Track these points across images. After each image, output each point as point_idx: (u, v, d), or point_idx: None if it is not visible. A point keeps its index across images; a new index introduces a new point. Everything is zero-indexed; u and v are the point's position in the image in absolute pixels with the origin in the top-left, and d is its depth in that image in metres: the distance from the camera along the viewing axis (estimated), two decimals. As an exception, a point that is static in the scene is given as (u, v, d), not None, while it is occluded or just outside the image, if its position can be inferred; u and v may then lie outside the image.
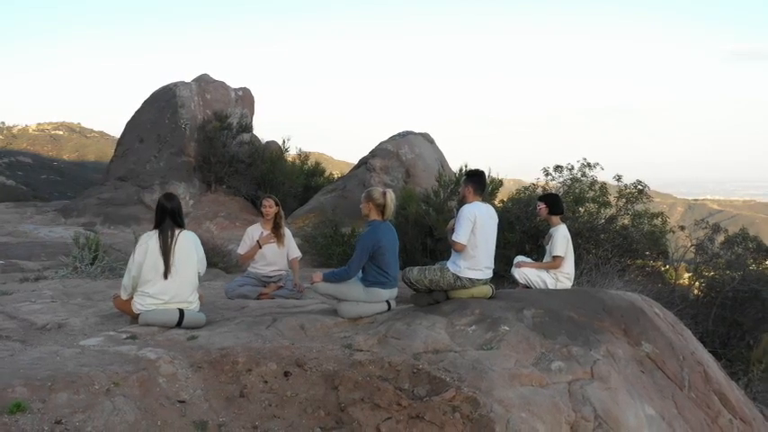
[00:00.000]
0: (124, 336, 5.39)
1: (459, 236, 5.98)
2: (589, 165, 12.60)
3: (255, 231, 7.78)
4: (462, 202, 6.38)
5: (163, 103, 18.66)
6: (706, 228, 11.50)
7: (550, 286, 7.00)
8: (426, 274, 6.10)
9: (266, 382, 4.72)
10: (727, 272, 11.03)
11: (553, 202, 7.31)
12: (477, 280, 6.14)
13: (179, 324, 5.62)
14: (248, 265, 7.78)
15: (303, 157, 20.97)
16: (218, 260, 10.38)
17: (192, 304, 5.75)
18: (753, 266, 10.78)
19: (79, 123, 67.40)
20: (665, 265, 11.40)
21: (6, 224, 15.21)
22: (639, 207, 11.82)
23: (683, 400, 5.96)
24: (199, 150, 18.06)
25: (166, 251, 5.61)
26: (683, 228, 11.91)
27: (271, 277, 7.68)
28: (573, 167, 13.01)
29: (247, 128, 19.05)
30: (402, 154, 17.52)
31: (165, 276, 5.60)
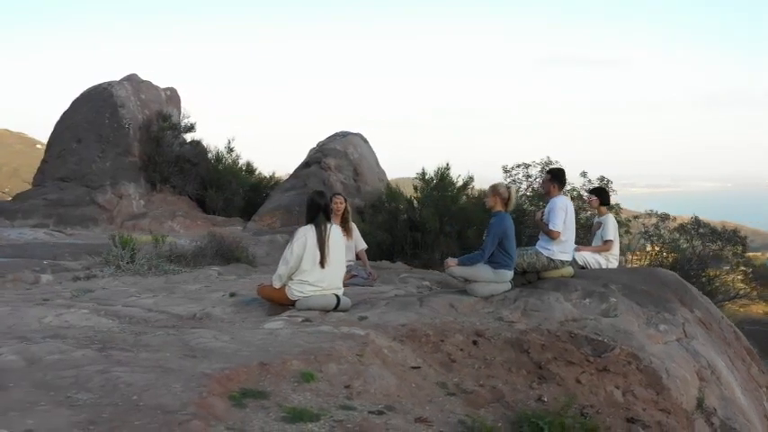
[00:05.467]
0: (300, 319, 5.94)
1: (557, 225, 6.96)
2: (550, 161, 13.97)
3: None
4: (547, 196, 7.38)
5: (99, 102, 18.30)
6: (656, 217, 13.25)
7: (603, 266, 8.13)
8: (525, 257, 7.04)
9: (462, 350, 5.48)
10: (674, 253, 12.81)
11: (603, 194, 8.47)
12: (567, 261, 7.16)
13: (335, 308, 6.24)
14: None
15: (235, 156, 21.12)
16: (241, 255, 10.77)
17: (340, 290, 6.38)
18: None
19: None
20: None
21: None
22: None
23: (730, 354, 7.27)
24: (143, 150, 17.93)
25: (322, 243, 6.20)
26: (636, 217, 13.59)
27: (341, 268, 8.32)
28: (530, 165, 14.36)
29: (191, 127, 19.12)
30: (350, 153, 18.28)
31: (322, 266, 6.19)
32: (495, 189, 6.70)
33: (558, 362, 5.34)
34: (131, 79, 19.95)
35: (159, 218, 15.97)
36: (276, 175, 22.31)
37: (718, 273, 13.11)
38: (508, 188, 6.73)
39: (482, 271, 6.57)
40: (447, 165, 13.68)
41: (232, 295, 7.38)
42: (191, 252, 10.42)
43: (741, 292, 13.50)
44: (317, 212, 6.30)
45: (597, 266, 8.10)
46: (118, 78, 20.06)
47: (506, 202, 6.69)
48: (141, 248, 10.20)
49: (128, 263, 9.33)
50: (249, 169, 21.39)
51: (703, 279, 12.41)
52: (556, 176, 7.21)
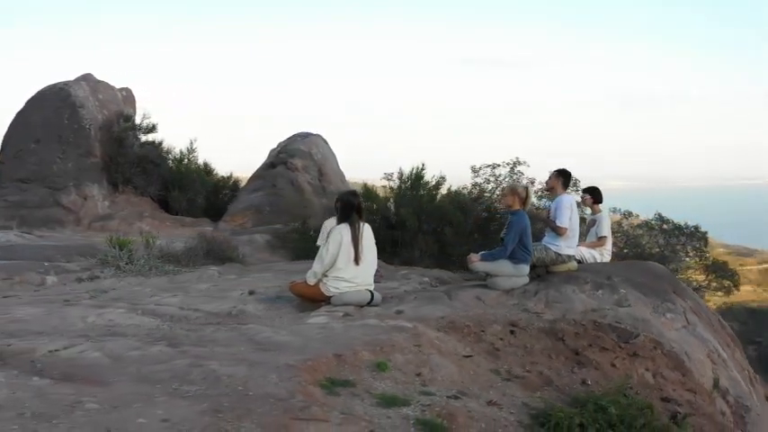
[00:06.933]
0: (340, 314, 6.20)
1: (564, 221, 7.40)
2: (518, 162, 14.51)
3: (332, 225, 8.64)
4: (551, 192, 7.83)
5: (58, 102, 17.92)
6: (620, 215, 13.98)
7: (598, 260, 8.63)
8: (535, 253, 7.45)
9: (501, 339, 5.83)
10: (636, 248, 13.54)
11: (596, 193, 8.97)
12: (572, 256, 7.61)
13: (368, 303, 6.51)
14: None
15: (189, 157, 20.91)
16: (233, 255, 10.87)
17: (372, 286, 6.66)
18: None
19: None
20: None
21: None
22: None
23: (719, 340, 7.85)
24: (104, 151, 17.69)
25: (356, 241, 6.47)
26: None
27: (348, 265, 8.58)
28: (498, 165, 14.87)
29: (153, 128, 18.94)
30: (314, 154, 18.47)
31: (357, 263, 6.46)
32: (513, 189, 7.09)
33: (592, 348, 5.74)
34: (87, 79, 19.61)
35: (127, 219, 15.82)
36: (234, 176, 22.25)
37: (678, 267, 13.92)
38: (526, 188, 7.14)
39: (503, 266, 6.94)
40: (422, 165, 14.09)
41: (251, 293, 7.56)
42: (182, 252, 10.47)
43: (702, 284, 14.41)
44: (351, 211, 6.55)
45: (593, 261, 8.59)
46: (72, 78, 19.71)
47: (524, 200, 7.07)
48: (136, 249, 10.22)
49: (126, 263, 9.34)
50: (207, 170, 21.27)
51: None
52: (563, 176, 7.65)
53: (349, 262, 6.44)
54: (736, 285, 14.93)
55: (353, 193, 6.75)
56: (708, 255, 14.80)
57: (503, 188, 14.41)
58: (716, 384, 5.99)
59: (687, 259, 14.32)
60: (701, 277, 14.66)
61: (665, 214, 14.87)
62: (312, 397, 3.92)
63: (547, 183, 7.92)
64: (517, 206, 7.08)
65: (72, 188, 16.45)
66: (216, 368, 4.24)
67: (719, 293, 15.26)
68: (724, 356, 6.71)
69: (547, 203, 13.20)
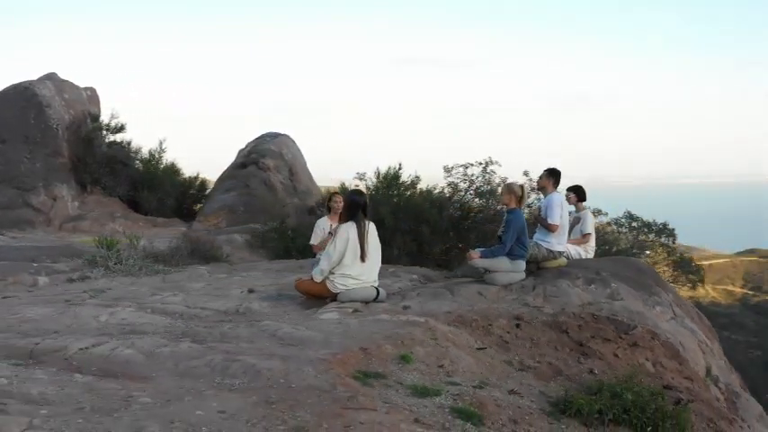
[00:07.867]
0: (350, 310, 6.33)
1: (555, 219, 7.68)
2: (490, 161, 14.73)
3: (325, 224, 8.78)
4: (542, 192, 8.10)
5: (22, 102, 17.62)
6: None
7: (582, 256, 8.93)
8: (528, 249, 7.71)
9: (509, 332, 6.05)
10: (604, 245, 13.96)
11: (580, 191, 9.26)
12: (562, 252, 7.90)
13: (374, 299, 6.68)
14: (320, 253, 8.72)
15: (158, 157, 20.79)
16: (218, 254, 10.90)
17: (377, 282, 6.82)
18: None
19: None
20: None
21: None
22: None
23: (702, 330, 8.23)
24: (72, 151, 17.47)
25: (362, 239, 6.63)
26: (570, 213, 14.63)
27: (341, 263, 8.72)
28: (471, 164, 15.08)
29: (122, 128, 18.76)
30: (284, 154, 18.53)
31: (363, 260, 6.62)
32: (510, 188, 7.33)
33: (595, 340, 6.00)
34: (52, 78, 19.32)
35: (99, 219, 15.67)
36: (201, 176, 22.16)
37: (646, 262, 14.39)
38: (521, 187, 7.38)
39: (502, 262, 7.17)
40: (399, 165, 14.29)
41: (251, 291, 7.63)
42: (168, 252, 10.47)
43: (669, 279, 14.91)
44: (357, 210, 6.70)
45: (578, 257, 8.88)
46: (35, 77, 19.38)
47: (520, 199, 7.32)
48: (123, 250, 10.18)
49: (115, 263, 9.32)
50: (174, 170, 21.13)
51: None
52: (553, 175, 7.93)
53: (355, 259, 6.59)
54: (701, 280, 15.54)
55: (359, 193, 6.91)
56: (675, 250, 15.37)
57: (477, 187, 14.75)
58: (708, 372, 6.32)
59: (648, 252, 14.81)
60: (668, 273, 15.21)
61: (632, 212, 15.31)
62: (353, 388, 4.07)
63: (538, 182, 8.18)
64: (514, 204, 7.31)
65: (41, 189, 16.22)
66: (254, 362, 4.36)
67: (685, 288, 15.86)
68: (711, 346, 7.05)
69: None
